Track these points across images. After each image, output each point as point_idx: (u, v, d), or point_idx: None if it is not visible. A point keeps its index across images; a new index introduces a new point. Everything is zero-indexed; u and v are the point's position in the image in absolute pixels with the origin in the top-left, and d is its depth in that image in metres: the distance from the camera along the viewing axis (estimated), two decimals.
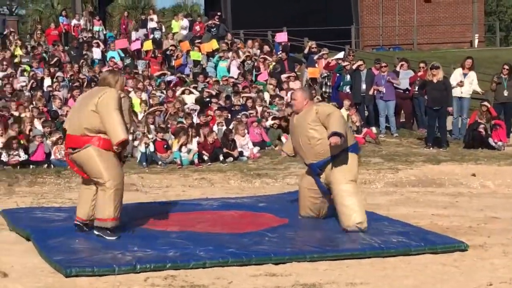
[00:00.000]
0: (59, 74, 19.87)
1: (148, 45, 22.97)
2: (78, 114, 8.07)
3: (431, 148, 16.03)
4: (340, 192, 8.26)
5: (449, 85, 16.61)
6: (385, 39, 34.58)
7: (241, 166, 14.47)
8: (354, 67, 18.97)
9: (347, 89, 18.86)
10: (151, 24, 25.78)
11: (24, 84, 19.02)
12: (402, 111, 19.16)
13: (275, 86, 19.64)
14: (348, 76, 18.94)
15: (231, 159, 15.13)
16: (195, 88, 19.47)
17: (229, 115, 17.19)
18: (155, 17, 26.68)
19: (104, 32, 26.06)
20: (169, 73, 21.18)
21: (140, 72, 20.97)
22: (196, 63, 21.86)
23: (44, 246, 7.46)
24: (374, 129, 17.99)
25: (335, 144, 8.11)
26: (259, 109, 17.87)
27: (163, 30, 26.34)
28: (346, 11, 34.65)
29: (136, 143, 15.37)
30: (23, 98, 17.57)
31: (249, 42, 23.73)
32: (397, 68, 19.36)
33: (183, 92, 18.95)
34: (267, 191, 11.74)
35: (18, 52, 21.86)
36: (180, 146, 14.92)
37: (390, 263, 7.28)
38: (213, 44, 22.93)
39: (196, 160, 14.84)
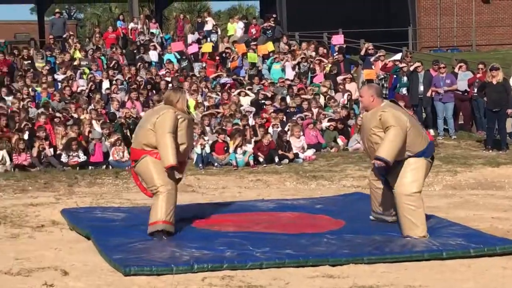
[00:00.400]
0: (117, 76, 20.15)
1: (208, 47, 23.08)
2: (139, 130, 8.42)
3: (491, 151, 15.81)
4: (402, 204, 8.03)
5: (508, 86, 16.36)
6: (443, 41, 34.17)
7: (296, 168, 14.47)
8: (411, 68, 18.82)
9: (404, 90, 18.71)
10: (207, 27, 25.91)
11: (83, 86, 19.31)
12: (461, 113, 18.92)
13: (329, 88, 19.59)
14: (405, 78, 18.79)
15: (286, 161, 15.14)
16: (250, 90, 19.53)
17: (284, 117, 17.19)
18: (211, 19, 26.77)
19: (161, 35, 26.25)
20: (225, 74, 21.27)
21: (197, 74, 21.11)
22: (252, 65, 21.89)
23: (103, 245, 7.55)
24: (432, 131, 17.80)
25: (378, 165, 8.00)
26: (315, 111, 17.83)
27: (219, 32, 26.44)
28: (403, 12, 34.37)
29: None
30: (82, 100, 17.84)
31: (304, 44, 23.63)
32: (456, 69, 19.13)
33: (239, 94, 19.03)
34: (323, 193, 11.69)
35: (77, 55, 22.17)
36: (236, 148, 14.98)
37: (449, 266, 7.19)
38: (269, 47, 22.95)
39: (251, 162, 14.87)
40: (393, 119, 7.97)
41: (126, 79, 20.04)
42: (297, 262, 7.11)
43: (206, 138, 15.37)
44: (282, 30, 26.76)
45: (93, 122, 16.20)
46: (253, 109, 17.91)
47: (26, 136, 15.21)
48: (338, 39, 23.71)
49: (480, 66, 18.59)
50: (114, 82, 19.59)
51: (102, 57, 22.09)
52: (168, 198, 8.01)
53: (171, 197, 8.05)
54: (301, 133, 16.00)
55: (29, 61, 21.37)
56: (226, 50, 23.11)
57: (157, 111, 8.34)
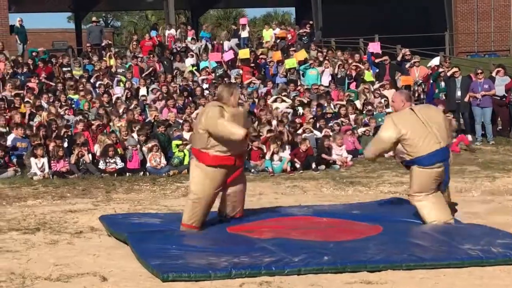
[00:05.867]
0: (154, 84, 20.29)
1: (245, 53, 23.11)
2: (194, 135, 9.17)
3: None
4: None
5: None
6: (480, 46, 33.86)
7: (333, 174, 14.43)
8: (448, 74, 18.70)
9: (442, 96, 18.62)
10: (243, 34, 25.96)
11: (120, 94, 19.46)
12: (499, 118, 18.74)
13: (369, 91, 19.54)
14: (443, 83, 18.67)
15: (323, 167, 15.10)
16: (286, 96, 19.53)
17: (322, 123, 17.14)
18: (246, 26, 26.78)
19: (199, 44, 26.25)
20: (258, 81, 21.29)
21: (233, 81, 21.16)
22: (292, 70, 21.89)
23: (141, 251, 7.59)
24: (470, 137, 17.67)
25: None
26: (352, 117, 17.79)
27: (252, 38, 26.51)
28: (440, 17, 34.14)
29: None
30: (119, 107, 17.96)
31: (339, 53, 23.54)
32: (493, 74, 18.96)
33: (275, 101, 19.03)
34: (360, 199, 11.64)
35: (114, 63, 22.35)
36: (272, 154, 14.95)
37: (488, 272, 7.10)
38: (302, 54, 22.93)
39: (288, 168, 14.85)
40: (385, 125, 9.10)
41: (163, 86, 20.14)
42: (335, 268, 7.07)
43: None
44: (320, 36, 26.77)
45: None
46: (291, 110, 18.02)
47: (65, 144, 15.36)
48: (374, 47, 23.57)
49: None
50: (151, 91, 19.72)
51: (140, 64, 22.18)
52: (192, 207, 8.76)
53: (195, 205, 8.76)
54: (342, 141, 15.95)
55: (67, 69, 21.61)
56: (262, 57, 23.16)
57: (202, 112, 8.94)
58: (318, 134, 16.52)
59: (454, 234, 8.29)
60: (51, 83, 20.32)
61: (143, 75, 21.24)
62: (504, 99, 18.18)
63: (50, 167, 14.61)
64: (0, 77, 20.10)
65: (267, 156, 15.01)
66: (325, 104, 18.63)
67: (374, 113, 18.04)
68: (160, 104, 18.58)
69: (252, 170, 14.78)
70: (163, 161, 15.14)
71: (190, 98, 19.48)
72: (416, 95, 20.07)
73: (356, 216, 9.54)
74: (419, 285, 6.68)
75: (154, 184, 13.64)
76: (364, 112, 18.34)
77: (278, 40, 25.29)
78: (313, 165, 15.06)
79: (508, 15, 33.79)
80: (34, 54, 22.67)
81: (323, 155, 15.26)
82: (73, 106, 18.53)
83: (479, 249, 7.57)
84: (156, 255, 7.41)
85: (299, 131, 16.43)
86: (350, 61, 22.21)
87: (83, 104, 18.25)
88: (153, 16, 53.32)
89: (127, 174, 14.81)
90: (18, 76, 20.32)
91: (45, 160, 14.61)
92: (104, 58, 22.65)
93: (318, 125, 17.07)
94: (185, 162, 15.21)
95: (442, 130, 8.94)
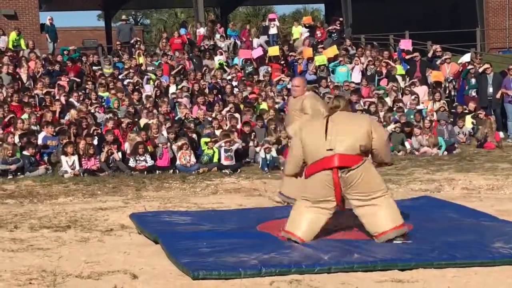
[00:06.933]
0: (183, 82, 20.34)
1: (275, 51, 23.09)
2: (349, 135, 8.08)
3: None
4: None
5: None
6: None
7: None
8: (480, 70, 18.53)
9: (473, 93, 18.46)
10: (272, 31, 25.92)
11: (149, 92, 19.52)
12: None
13: (397, 89, 19.44)
14: (474, 80, 18.50)
15: None
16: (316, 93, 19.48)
17: None
18: (276, 23, 26.71)
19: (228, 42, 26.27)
20: (287, 78, 21.26)
21: (262, 78, 21.15)
22: (322, 67, 21.84)
23: (172, 249, 7.59)
24: (502, 134, 17.51)
25: None
26: (381, 114, 17.70)
27: (281, 35, 26.47)
28: (470, 13, 33.85)
29: (257, 149, 15.52)
30: (149, 105, 18.03)
31: (368, 51, 23.41)
32: None
33: None
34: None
35: (144, 61, 22.44)
36: None
37: None
38: (333, 50, 22.86)
39: None
40: (310, 109, 9.75)
41: (192, 84, 20.19)
42: (365, 266, 7.04)
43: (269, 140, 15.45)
44: (350, 33, 26.68)
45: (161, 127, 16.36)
46: None
47: (95, 142, 15.45)
48: (406, 44, 23.41)
49: None
50: (179, 87, 19.78)
51: (169, 62, 22.26)
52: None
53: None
54: None
55: (98, 67, 21.75)
56: (291, 54, 23.11)
57: (359, 117, 9.20)
58: None
59: (486, 232, 8.21)
60: (78, 80, 20.43)
61: (173, 72, 21.30)
62: None
63: (80, 165, 14.71)
64: (31, 75, 20.27)
65: None
66: (355, 101, 18.56)
67: (405, 110, 17.95)
68: (183, 100, 18.61)
69: (282, 168, 14.74)
70: (193, 159, 15.17)
71: (220, 96, 19.51)
72: (447, 92, 19.94)
73: None
74: (450, 283, 6.62)
75: (184, 182, 13.68)
76: (394, 109, 18.24)
77: (306, 33, 25.21)
78: None
79: None
80: (65, 52, 22.81)
81: None
82: (103, 104, 18.64)
83: (511, 247, 7.49)
84: (186, 253, 7.41)
85: None
86: (380, 57, 22.10)
87: (113, 102, 18.36)
88: (182, 13, 53.51)
89: (157, 172, 14.87)
90: (53, 74, 20.48)
91: (75, 158, 14.72)
92: (134, 56, 22.75)
93: None
94: (215, 160, 15.23)
95: None
